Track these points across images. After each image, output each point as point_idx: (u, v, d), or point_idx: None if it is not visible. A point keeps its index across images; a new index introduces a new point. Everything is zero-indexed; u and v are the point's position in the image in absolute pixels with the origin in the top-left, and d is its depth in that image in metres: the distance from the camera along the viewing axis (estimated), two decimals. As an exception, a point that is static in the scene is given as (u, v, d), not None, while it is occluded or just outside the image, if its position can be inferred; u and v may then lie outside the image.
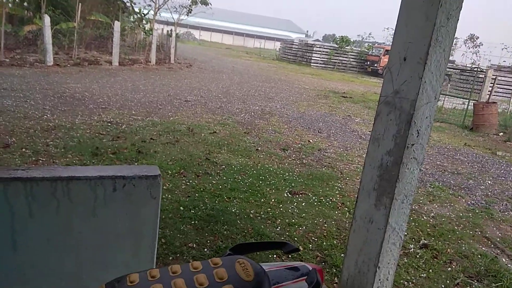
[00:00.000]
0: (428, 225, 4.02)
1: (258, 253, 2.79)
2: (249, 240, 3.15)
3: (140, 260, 1.72)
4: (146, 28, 19.77)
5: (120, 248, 1.65)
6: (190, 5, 20.96)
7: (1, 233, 1.46)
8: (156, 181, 1.64)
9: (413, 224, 3.97)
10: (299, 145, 6.63)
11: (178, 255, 2.86)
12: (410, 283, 2.85)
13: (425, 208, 4.52)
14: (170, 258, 2.81)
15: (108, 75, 12.03)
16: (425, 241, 3.55)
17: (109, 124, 6.32)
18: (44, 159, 4.48)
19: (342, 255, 2.65)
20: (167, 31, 21.58)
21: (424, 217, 4.22)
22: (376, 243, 2.10)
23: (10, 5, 15.19)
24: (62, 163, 4.42)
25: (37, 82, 9.14)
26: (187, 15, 21.45)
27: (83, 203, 1.55)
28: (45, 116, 6.28)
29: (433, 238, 3.69)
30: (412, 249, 3.38)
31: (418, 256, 3.28)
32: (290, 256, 2.87)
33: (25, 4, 15.50)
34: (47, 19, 12.04)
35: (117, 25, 14.53)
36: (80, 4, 14.47)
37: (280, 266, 0.90)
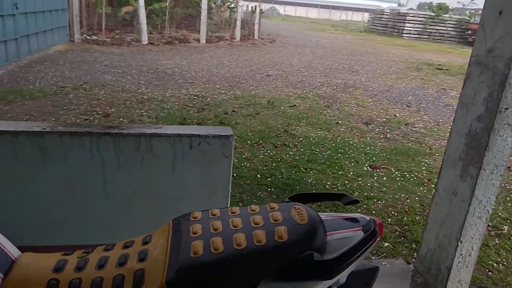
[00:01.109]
0: (528, 207, 3.59)
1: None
2: (323, 211, 3.14)
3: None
4: (231, 6, 20.13)
5: (195, 202, 1.77)
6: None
7: (95, 182, 1.65)
8: (229, 141, 1.71)
9: (509, 204, 3.57)
10: (384, 119, 6.30)
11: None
12: (500, 265, 2.59)
13: (527, 189, 4.03)
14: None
15: (196, 52, 12.59)
16: (523, 224, 3.18)
17: (196, 97, 6.67)
18: (138, 128, 4.91)
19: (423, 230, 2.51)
20: (252, 7, 21.72)
21: (526, 197, 3.77)
22: (460, 216, 1.95)
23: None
24: (153, 132, 4.80)
25: (134, 60, 9.95)
26: (272, -10, 21.27)
27: (163, 158, 1.68)
28: (140, 90, 6.84)
29: (533, 221, 3.29)
30: (506, 231, 3.06)
31: (512, 239, 2.97)
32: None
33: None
34: (141, 0, 12.91)
35: (204, 3, 15.02)
36: (171, -16, 15.23)
37: (338, 216, 0.89)
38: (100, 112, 5.33)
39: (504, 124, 1.76)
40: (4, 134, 1.54)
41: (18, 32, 8.26)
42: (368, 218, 0.88)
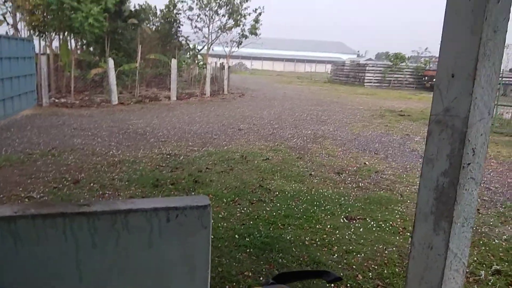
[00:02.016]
0: (500, 249, 3.68)
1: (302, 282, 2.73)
2: (304, 268, 3.10)
3: (195, 286, 1.77)
4: (200, 63, 20.79)
5: (175, 276, 1.71)
6: (240, 38, 21.79)
7: (68, 265, 1.58)
8: (206, 211, 1.69)
9: (483, 248, 3.66)
10: (355, 168, 6.47)
11: (234, 283, 2.89)
12: (483, 314, 2.61)
13: (496, 230, 4.16)
14: (227, 286, 2.84)
15: (167, 109, 12.73)
16: (498, 267, 3.25)
17: (168, 156, 6.64)
18: (110, 192, 4.80)
19: (404, 284, 2.51)
20: (220, 63, 22.52)
21: (496, 240, 3.88)
22: (438, 270, 1.97)
23: (78, 51, 16.82)
24: (126, 196, 4.70)
25: (104, 121, 9.91)
26: (238, 47, 22.26)
27: (140, 234, 1.64)
28: (111, 152, 6.76)
29: (506, 263, 3.37)
30: (483, 276, 3.11)
31: (490, 284, 3.01)
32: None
33: (91, 49, 17.08)
34: (111, 62, 13.15)
35: (174, 62, 15.45)
36: (140, 46, 15.66)
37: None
38: (69, 179, 5.19)
39: (469, 178, 1.85)
40: (-28, 221, 1.47)
41: (-17, 99, 8.13)
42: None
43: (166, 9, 19.73)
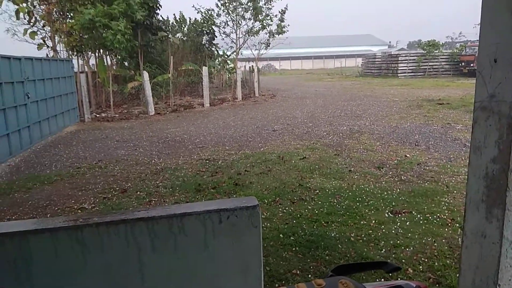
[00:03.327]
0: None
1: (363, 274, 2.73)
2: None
3: (249, 286, 1.84)
4: (230, 68, 21.07)
5: (229, 276, 1.79)
6: (268, 40, 21.88)
7: (131, 267, 1.69)
8: (256, 211, 1.76)
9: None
10: (395, 161, 6.34)
11: (283, 281, 2.94)
12: (545, 304, 2.50)
13: (555, 217, 3.95)
14: (276, 285, 2.89)
15: (202, 116, 13.00)
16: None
17: (207, 161, 6.80)
18: (156, 199, 4.99)
19: (457, 275, 2.45)
20: (250, 67, 22.70)
21: (555, 228, 3.69)
22: (493, 259, 1.93)
23: (114, 67, 17.53)
24: (171, 202, 4.87)
25: (143, 131, 10.28)
26: (266, 49, 22.35)
27: (195, 236, 1.73)
28: (153, 161, 7.01)
29: None
30: (543, 265, 2.97)
31: (552, 273, 2.87)
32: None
33: (126, 64, 17.75)
34: (146, 75, 13.61)
35: (205, 70, 15.76)
36: (172, 57, 16.09)
37: (383, 285, 0.93)
38: (117, 189, 5.44)
39: (520, 164, 1.80)
40: (44, 231, 1.61)
41: (31, 120, 8.67)
42: (414, 285, 0.91)
43: (202, 20, 20.16)
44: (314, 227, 3.91)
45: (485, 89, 2.04)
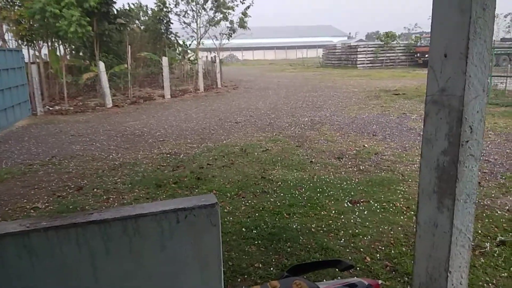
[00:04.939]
0: (503, 219, 3.74)
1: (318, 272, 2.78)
2: (313, 256, 3.15)
3: (209, 285, 1.81)
4: (191, 59, 20.69)
5: (188, 276, 1.75)
6: (229, 32, 21.67)
7: (85, 273, 1.62)
8: (214, 209, 1.73)
9: (486, 220, 3.72)
10: (354, 151, 6.51)
11: (245, 276, 2.94)
12: (490, 284, 2.67)
13: (498, 202, 4.21)
14: (239, 280, 2.89)
15: (162, 108, 12.71)
16: (502, 238, 3.31)
17: (168, 155, 6.66)
18: (114, 197, 4.83)
19: (412, 263, 2.56)
20: (211, 57, 22.41)
21: (498, 212, 3.94)
22: (444, 247, 2.02)
23: (68, 57, 16.71)
24: (131, 198, 4.74)
25: (100, 125, 9.90)
26: (228, 40, 22.13)
27: (151, 237, 1.67)
28: (111, 156, 6.77)
29: (510, 234, 3.43)
30: (488, 248, 3.17)
31: (496, 255, 3.07)
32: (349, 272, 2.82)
33: (81, 54, 16.95)
34: (102, 65, 13.07)
35: (165, 60, 15.37)
36: (130, 46, 15.54)
37: (337, 284, 0.93)
38: (72, 186, 5.21)
39: (468, 155, 1.88)
40: (-14, 239, 1.50)
41: (-22, 114, 8.10)
42: (366, 283, 0.92)
43: (156, 8, 19.54)
44: (276, 219, 3.94)
45: (436, 83, 2.10)
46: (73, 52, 17.35)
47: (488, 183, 4.80)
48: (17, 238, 1.55)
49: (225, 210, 4.20)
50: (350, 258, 3.08)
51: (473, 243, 3.23)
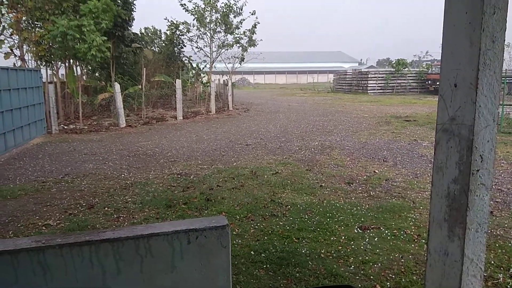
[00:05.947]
0: (518, 251, 3.67)
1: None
2: (322, 282, 3.12)
3: (218, 308, 1.81)
4: (204, 81, 21.04)
5: (198, 297, 1.76)
6: (242, 54, 22.04)
7: (97, 290, 1.64)
8: (225, 231, 1.76)
9: (499, 251, 3.64)
10: (365, 177, 6.48)
11: (253, 300, 2.91)
12: (505, 318, 2.60)
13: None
14: (246, 304, 2.87)
15: (174, 129, 12.87)
16: (517, 270, 3.24)
17: (179, 176, 6.71)
18: (124, 216, 4.86)
19: (423, 291, 2.51)
20: (223, 80, 22.77)
21: (511, 242, 3.86)
22: (455, 277, 1.99)
23: (84, 77, 17.14)
24: (141, 218, 4.76)
25: (113, 144, 10.05)
26: (240, 64, 22.50)
27: (163, 257, 1.70)
28: (123, 175, 6.85)
29: (526, 266, 3.35)
30: (502, 279, 3.10)
31: (509, 286, 2.99)
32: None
33: (97, 75, 17.40)
34: (117, 86, 13.38)
35: (178, 82, 15.68)
36: (144, 69, 15.93)
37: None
38: (84, 204, 5.27)
39: (479, 184, 1.89)
40: (3, 254, 1.54)
41: (-5, 131, 8.31)
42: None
43: (169, 31, 20.11)
44: (285, 243, 3.92)
45: (446, 112, 2.13)
46: (90, 72, 17.82)
47: (501, 213, 4.72)
48: (32, 254, 1.59)
49: (234, 233, 4.20)
50: (360, 285, 3.04)
51: (485, 274, 3.17)
